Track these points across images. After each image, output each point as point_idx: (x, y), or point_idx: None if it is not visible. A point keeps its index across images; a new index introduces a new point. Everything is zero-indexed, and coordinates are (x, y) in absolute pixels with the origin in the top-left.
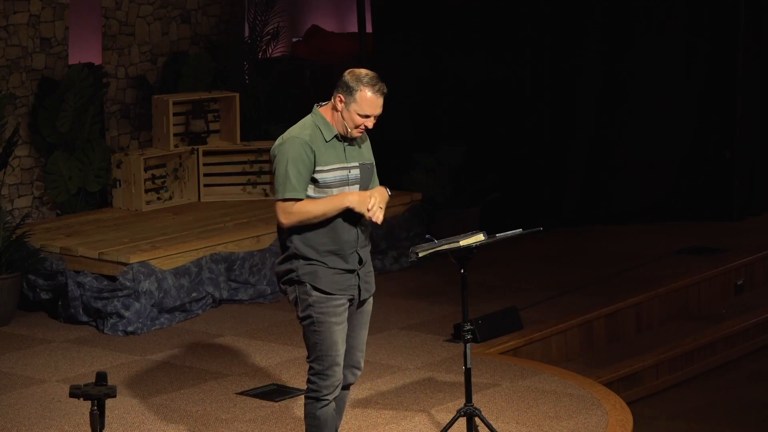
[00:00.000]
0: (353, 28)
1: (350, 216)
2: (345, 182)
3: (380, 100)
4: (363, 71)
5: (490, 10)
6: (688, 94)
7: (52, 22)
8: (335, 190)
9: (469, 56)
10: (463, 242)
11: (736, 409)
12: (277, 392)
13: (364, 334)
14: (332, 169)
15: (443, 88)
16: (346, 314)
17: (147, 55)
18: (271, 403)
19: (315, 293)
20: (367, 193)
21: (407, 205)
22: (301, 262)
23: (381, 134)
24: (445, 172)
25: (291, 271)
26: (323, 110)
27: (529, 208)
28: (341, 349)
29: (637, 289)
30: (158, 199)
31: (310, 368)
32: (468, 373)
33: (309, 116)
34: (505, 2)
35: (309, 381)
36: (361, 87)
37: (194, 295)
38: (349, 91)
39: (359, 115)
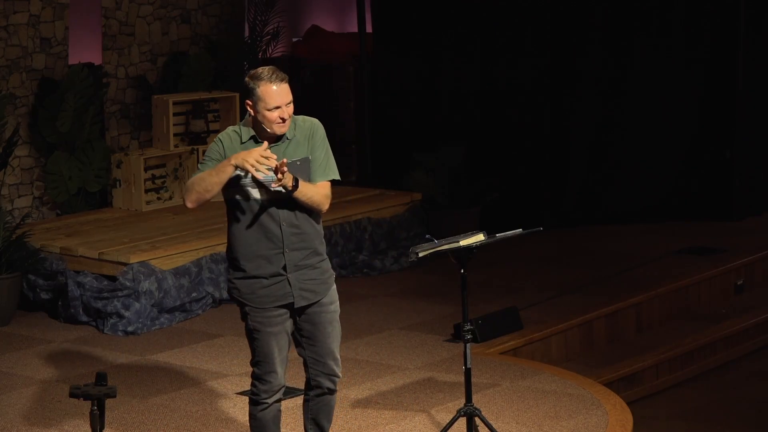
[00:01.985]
0: (353, 28)
1: (268, 215)
2: (270, 182)
3: (282, 88)
4: (259, 69)
5: (490, 11)
6: (688, 94)
7: (52, 22)
8: (255, 191)
9: (468, 56)
10: (463, 242)
11: (736, 409)
12: None
13: (330, 342)
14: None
15: (443, 88)
16: (285, 323)
17: (147, 55)
18: None
19: (248, 305)
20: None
21: (407, 205)
22: (231, 272)
23: (381, 134)
24: (445, 172)
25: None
26: (251, 117)
27: (529, 208)
28: (278, 357)
29: (637, 289)
30: (158, 199)
31: (252, 371)
32: (468, 373)
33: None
34: (506, 2)
35: (251, 383)
36: (260, 84)
37: (194, 295)
38: (252, 93)
39: (268, 110)
